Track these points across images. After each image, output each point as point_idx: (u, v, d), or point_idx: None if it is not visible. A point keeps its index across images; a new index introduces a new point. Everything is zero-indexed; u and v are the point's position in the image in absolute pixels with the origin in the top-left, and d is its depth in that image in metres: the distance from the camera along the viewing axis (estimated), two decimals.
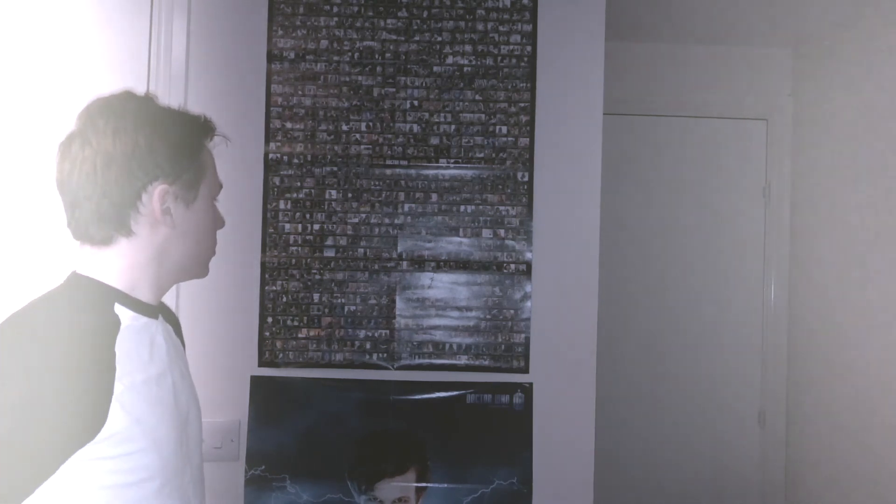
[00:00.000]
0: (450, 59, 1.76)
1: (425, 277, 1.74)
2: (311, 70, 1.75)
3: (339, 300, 1.74)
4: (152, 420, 0.87)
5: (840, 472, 2.37)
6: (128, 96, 0.93)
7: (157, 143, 0.89)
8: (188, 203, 0.92)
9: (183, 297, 1.70)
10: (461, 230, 1.75)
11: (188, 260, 0.95)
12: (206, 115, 0.97)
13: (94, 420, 0.81)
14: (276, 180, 1.74)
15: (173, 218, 0.91)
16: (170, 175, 0.90)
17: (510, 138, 1.76)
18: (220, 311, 1.74)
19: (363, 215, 1.75)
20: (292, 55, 1.75)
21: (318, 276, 1.74)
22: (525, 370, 1.75)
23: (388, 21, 1.76)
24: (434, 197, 1.75)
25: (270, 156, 1.74)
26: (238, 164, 1.73)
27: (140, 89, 1.70)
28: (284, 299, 1.73)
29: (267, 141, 1.74)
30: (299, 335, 1.73)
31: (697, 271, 2.83)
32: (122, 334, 0.88)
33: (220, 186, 1.01)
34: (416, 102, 1.76)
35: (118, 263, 0.92)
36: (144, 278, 0.93)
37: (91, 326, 0.86)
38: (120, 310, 0.91)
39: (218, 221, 1.01)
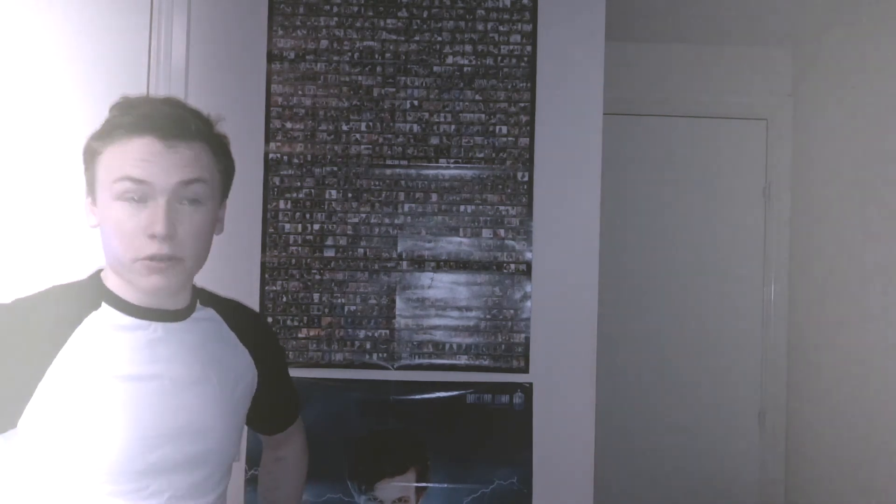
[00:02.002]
0: (450, 59, 1.76)
1: (425, 277, 1.74)
2: (311, 70, 1.75)
3: (339, 300, 1.74)
4: (101, 416, 0.87)
5: (840, 472, 2.37)
6: (121, 101, 0.96)
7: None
8: (96, 204, 0.93)
9: None
10: (461, 230, 1.75)
11: (112, 262, 0.93)
12: (124, 122, 0.91)
13: (14, 407, 0.85)
14: (276, 180, 1.74)
15: (95, 217, 0.94)
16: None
17: (510, 138, 1.76)
18: None
19: (363, 215, 1.75)
20: (292, 55, 1.75)
21: (318, 276, 1.74)
22: (525, 370, 1.75)
23: (388, 21, 1.76)
24: (434, 197, 1.75)
25: (270, 156, 1.74)
26: (238, 164, 1.72)
27: (140, 89, 1.71)
28: (284, 299, 1.73)
29: (267, 141, 1.74)
30: (299, 335, 1.73)
31: (697, 271, 2.83)
32: (84, 329, 0.90)
33: (129, 178, 0.88)
34: (416, 102, 1.76)
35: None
36: (117, 278, 0.94)
37: (55, 318, 0.90)
38: (105, 309, 0.93)
39: (132, 221, 0.89)
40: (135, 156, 0.88)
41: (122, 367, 0.91)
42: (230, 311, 1.08)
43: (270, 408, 1.12)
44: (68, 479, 0.87)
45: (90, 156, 0.93)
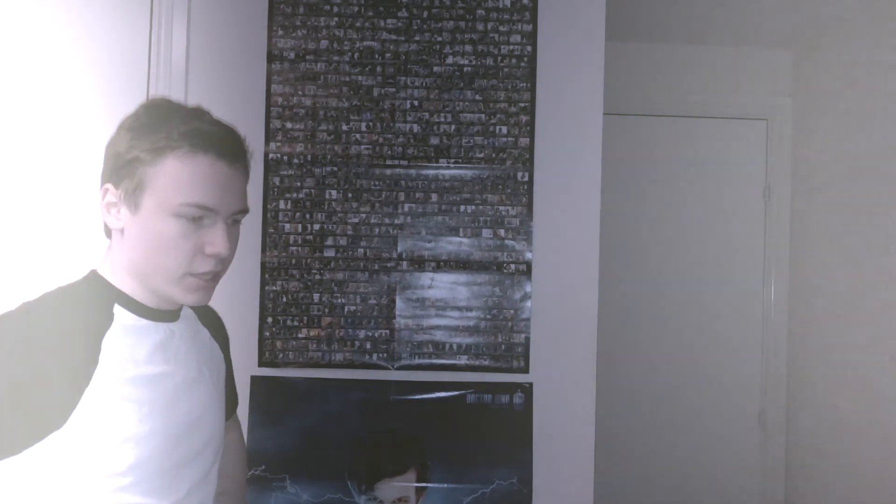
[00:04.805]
0: (450, 59, 1.76)
1: (425, 277, 1.74)
2: (311, 70, 1.75)
3: (339, 300, 1.74)
4: (132, 417, 0.88)
5: (840, 473, 2.37)
6: (159, 102, 0.96)
7: (111, 145, 0.93)
8: (132, 211, 0.91)
9: None
10: (461, 230, 1.75)
11: (146, 271, 0.92)
12: (184, 135, 0.89)
13: (62, 409, 0.84)
14: (276, 180, 1.74)
15: (122, 221, 0.92)
16: (110, 178, 0.92)
17: (510, 138, 1.76)
18: (220, 311, 1.75)
19: (363, 215, 1.75)
20: (292, 55, 1.75)
21: (318, 276, 1.74)
22: (525, 370, 1.74)
23: (388, 21, 1.76)
24: (434, 197, 1.75)
25: (270, 156, 1.74)
26: None
27: (140, 89, 1.71)
28: (284, 299, 1.73)
29: (267, 141, 1.74)
30: (299, 335, 1.73)
31: (697, 271, 2.83)
32: (112, 332, 0.91)
33: (199, 206, 0.90)
34: (416, 102, 1.76)
35: (112, 260, 0.96)
36: (133, 281, 0.95)
37: (83, 322, 0.90)
38: (118, 310, 0.93)
39: (190, 240, 0.90)
40: (209, 178, 0.90)
41: (145, 368, 0.92)
42: (199, 308, 1.12)
43: (227, 397, 1.16)
44: (102, 480, 0.87)
45: (133, 162, 0.89)
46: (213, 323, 1.15)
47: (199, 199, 0.90)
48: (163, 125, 0.90)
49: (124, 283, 0.95)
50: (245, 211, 0.97)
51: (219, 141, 0.92)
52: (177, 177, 0.89)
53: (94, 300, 0.93)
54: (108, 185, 0.92)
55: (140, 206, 0.90)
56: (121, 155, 0.91)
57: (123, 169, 0.91)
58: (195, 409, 0.99)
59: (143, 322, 0.95)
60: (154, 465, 0.91)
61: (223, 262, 0.94)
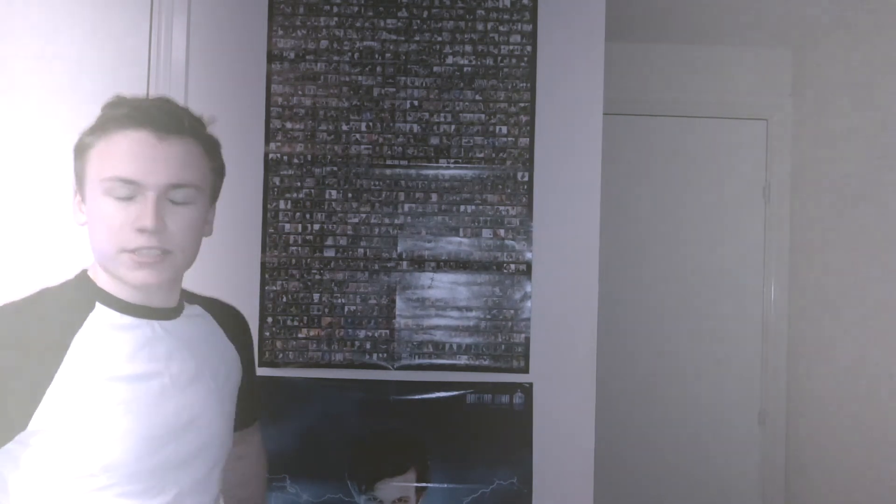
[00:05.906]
0: (450, 59, 1.76)
1: (425, 277, 1.74)
2: (311, 70, 1.75)
3: (339, 300, 1.74)
4: (106, 417, 0.87)
5: (840, 472, 2.37)
6: (116, 98, 0.96)
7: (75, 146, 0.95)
8: (84, 201, 0.93)
9: None
10: (461, 230, 1.75)
11: (98, 257, 0.93)
12: (114, 117, 0.91)
13: (23, 410, 0.84)
14: (276, 180, 1.74)
15: (84, 215, 0.93)
16: (74, 177, 0.95)
17: (510, 138, 1.76)
18: None
19: (363, 215, 1.75)
20: (292, 55, 1.75)
21: (318, 276, 1.74)
22: (525, 370, 1.74)
23: (388, 21, 1.76)
24: (434, 197, 1.75)
25: (270, 156, 1.74)
26: (238, 164, 1.72)
27: (140, 89, 1.71)
28: (284, 299, 1.73)
29: (267, 141, 1.74)
30: (299, 335, 1.73)
31: (697, 271, 2.83)
32: (86, 331, 0.89)
33: (120, 179, 0.88)
34: (416, 102, 1.76)
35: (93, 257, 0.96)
36: (107, 276, 0.94)
37: (55, 322, 0.89)
38: (100, 308, 0.92)
39: (118, 217, 0.89)
40: (127, 151, 0.89)
41: (125, 367, 0.90)
42: (216, 308, 1.10)
43: (246, 402, 1.13)
44: (78, 481, 0.86)
45: (80, 151, 0.93)
46: (232, 323, 1.11)
47: (119, 173, 0.88)
48: (105, 114, 0.93)
49: (102, 279, 0.94)
50: (186, 185, 0.91)
51: (143, 115, 0.91)
52: (103, 156, 0.90)
53: (72, 299, 0.93)
54: (75, 184, 0.95)
55: (85, 194, 0.92)
56: (74, 150, 0.94)
57: (76, 162, 0.94)
58: (187, 411, 0.95)
59: (128, 320, 0.93)
60: (132, 467, 0.88)
61: (162, 238, 0.89)
